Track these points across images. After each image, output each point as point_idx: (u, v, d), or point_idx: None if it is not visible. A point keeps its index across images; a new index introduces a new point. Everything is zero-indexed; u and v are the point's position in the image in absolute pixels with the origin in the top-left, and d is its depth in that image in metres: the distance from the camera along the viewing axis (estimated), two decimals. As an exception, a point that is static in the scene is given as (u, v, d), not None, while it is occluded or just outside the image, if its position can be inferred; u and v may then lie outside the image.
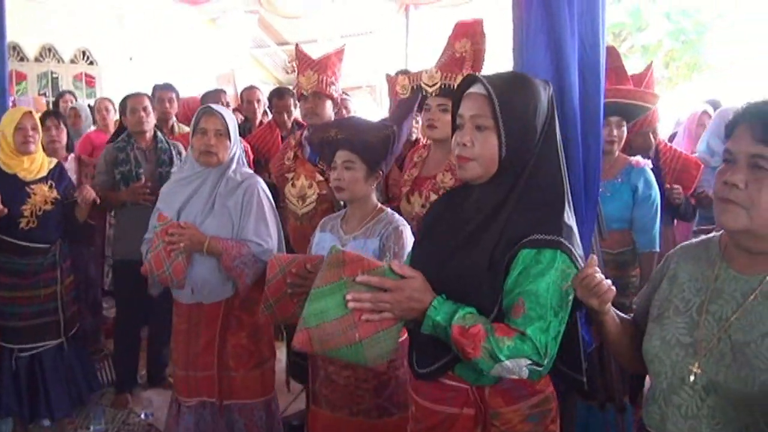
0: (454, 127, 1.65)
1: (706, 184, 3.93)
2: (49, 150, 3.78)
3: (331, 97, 3.21)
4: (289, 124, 4.65)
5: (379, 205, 2.39)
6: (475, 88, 1.58)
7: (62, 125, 3.94)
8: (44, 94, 10.79)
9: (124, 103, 3.90)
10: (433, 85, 2.65)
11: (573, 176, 2.00)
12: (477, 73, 1.60)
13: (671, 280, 1.48)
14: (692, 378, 1.33)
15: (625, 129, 3.09)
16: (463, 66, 2.65)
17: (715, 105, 5.59)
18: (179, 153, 3.89)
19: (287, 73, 3.56)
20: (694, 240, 1.54)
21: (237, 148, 2.78)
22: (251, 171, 2.87)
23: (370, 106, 9.30)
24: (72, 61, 11.57)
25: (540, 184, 1.56)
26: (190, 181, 2.73)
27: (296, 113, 4.64)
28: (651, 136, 3.45)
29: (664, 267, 1.54)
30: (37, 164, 3.39)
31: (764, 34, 11.80)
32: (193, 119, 2.71)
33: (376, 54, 9.77)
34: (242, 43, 13.21)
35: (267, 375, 2.86)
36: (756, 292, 1.31)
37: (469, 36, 2.69)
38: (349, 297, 1.47)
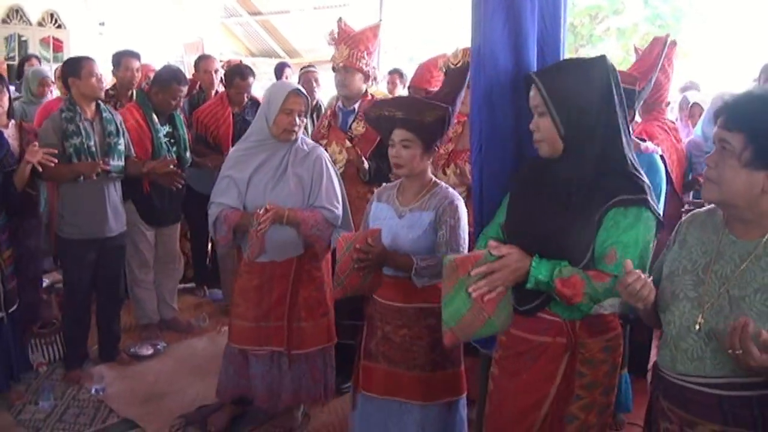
0: None
1: (700, 168, 4.06)
2: (-10, 115, 3.53)
3: (361, 71, 3.51)
4: (245, 102, 4.58)
5: (434, 179, 2.52)
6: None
7: (5, 89, 3.51)
8: (12, 58, 10.46)
9: (75, 65, 3.56)
10: (457, 63, 2.90)
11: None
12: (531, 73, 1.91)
13: (681, 243, 1.73)
14: (697, 327, 1.58)
15: None
16: None
17: (694, 87, 5.74)
18: (121, 123, 3.74)
19: (328, 44, 3.59)
20: (703, 209, 1.77)
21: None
22: (314, 141, 3.06)
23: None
24: (40, 24, 11.25)
25: (610, 153, 1.83)
26: (259, 151, 2.93)
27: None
28: None
29: (677, 232, 1.78)
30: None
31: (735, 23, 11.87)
32: (283, 98, 2.85)
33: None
34: (213, 11, 12.94)
35: (330, 323, 3.12)
36: (752, 255, 1.55)
37: None
38: (470, 290, 1.79)
